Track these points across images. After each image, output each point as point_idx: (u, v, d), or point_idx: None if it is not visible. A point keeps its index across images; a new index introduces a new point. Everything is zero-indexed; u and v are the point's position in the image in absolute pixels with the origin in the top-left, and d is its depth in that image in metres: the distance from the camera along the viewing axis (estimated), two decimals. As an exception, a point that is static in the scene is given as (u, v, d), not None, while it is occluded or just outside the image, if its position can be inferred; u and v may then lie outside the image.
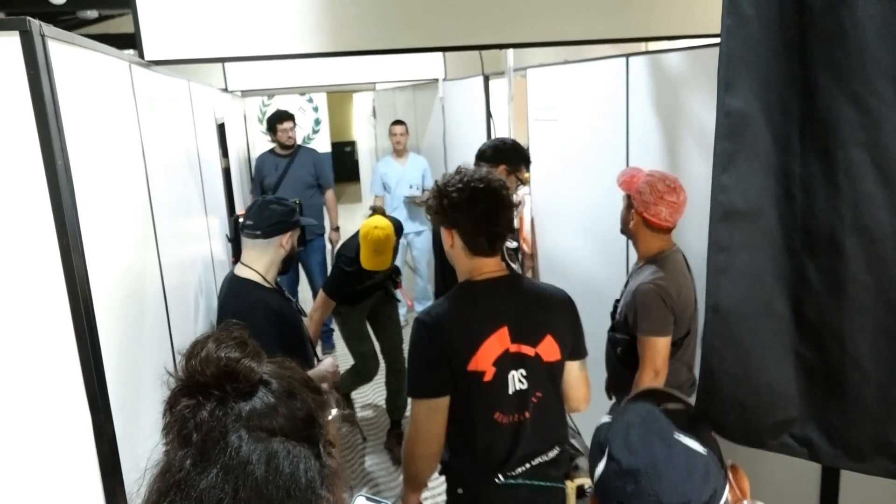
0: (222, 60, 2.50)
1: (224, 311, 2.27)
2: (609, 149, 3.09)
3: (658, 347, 2.20)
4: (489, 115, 4.32)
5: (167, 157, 2.13)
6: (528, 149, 3.96)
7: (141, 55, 1.99)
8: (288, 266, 2.43)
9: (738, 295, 1.07)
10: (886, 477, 1.06)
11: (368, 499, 0.92)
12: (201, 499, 0.80)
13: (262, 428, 0.84)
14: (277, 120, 5.08)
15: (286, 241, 2.33)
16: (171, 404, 0.86)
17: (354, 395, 4.55)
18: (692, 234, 2.40)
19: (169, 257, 1.91)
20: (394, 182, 5.53)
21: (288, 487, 0.82)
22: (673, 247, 2.33)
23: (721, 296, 1.08)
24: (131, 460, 1.24)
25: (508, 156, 3.05)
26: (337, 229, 5.32)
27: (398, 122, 5.58)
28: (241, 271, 2.30)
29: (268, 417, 0.85)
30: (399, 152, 5.58)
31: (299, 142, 5.48)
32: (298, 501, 0.83)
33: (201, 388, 0.85)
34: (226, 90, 5.24)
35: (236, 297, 2.26)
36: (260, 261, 2.30)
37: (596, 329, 2.83)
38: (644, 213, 2.24)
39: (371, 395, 4.29)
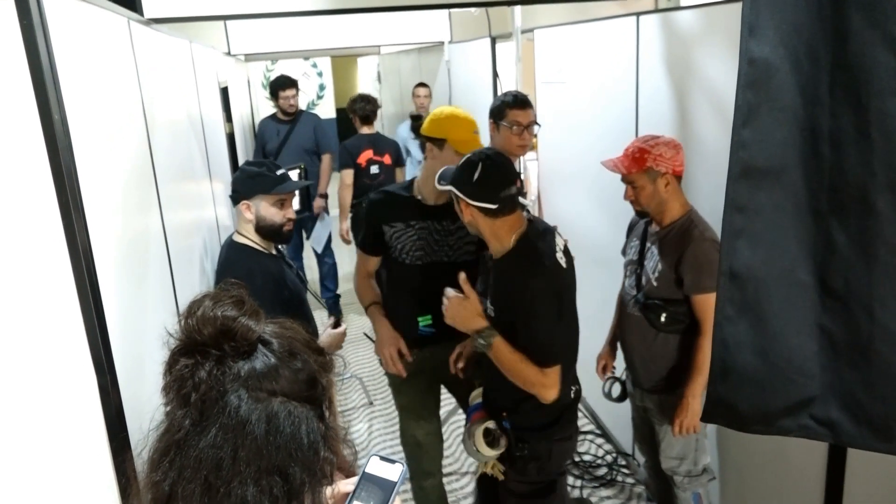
0: (223, 18, 2.43)
1: (221, 277, 2.24)
2: (619, 111, 3.04)
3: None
4: (496, 78, 4.24)
5: (169, 119, 2.09)
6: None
7: (140, 12, 1.94)
8: (280, 236, 2.28)
9: (756, 259, 1.00)
10: None
11: (382, 458, 0.90)
12: (200, 458, 0.79)
13: (262, 388, 0.83)
14: (280, 86, 5.00)
15: (246, 208, 2.21)
16: (171, 364, 0.85)
17: (361, 360, 4.57)
18: (702, 197, 2.36)
19: (173, 220, 1.89)
20: (415, 146, 5.23)
21: (289, 448, 0.81)
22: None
23: (737, 259, 1.02)
24: (137, 420, 1.23)
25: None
26: (324, 196, 4.98)
27: (422, 85, 5.42)
28: (238, 238, 2.27)
29: (268, 378, 0.84)
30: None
31: (304, 107, 5.40)
32: (300, 462, 0.81)
33: (199, 347, 0.83)
34: (229, 54, 5.16)
35: (233, 263, 2.22)
36: (245, 227, 2.25)
37: (604, 294, 2.81)
38: (675, 168, 2.22)
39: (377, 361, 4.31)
